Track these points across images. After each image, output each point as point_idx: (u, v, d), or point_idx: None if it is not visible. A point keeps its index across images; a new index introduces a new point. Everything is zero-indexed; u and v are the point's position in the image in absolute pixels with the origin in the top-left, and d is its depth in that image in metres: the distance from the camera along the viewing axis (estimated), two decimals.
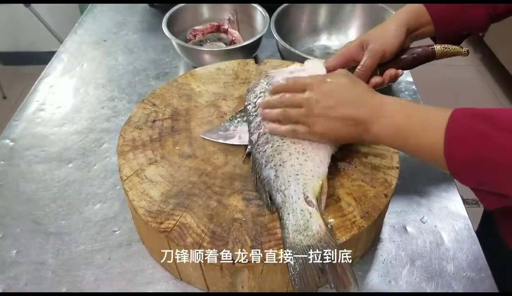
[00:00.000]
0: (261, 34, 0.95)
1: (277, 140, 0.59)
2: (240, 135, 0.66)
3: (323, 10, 1.05)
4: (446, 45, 0.65)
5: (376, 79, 0.65)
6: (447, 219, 0.68)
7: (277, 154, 0.58)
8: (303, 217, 0.52)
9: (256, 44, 0.97)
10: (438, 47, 0.65)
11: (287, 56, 0.91)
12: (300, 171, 0.56)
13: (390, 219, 0.68)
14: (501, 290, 0.59)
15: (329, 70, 0.65)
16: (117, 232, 0.66)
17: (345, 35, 1.06)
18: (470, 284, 0.60)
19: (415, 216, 0.68)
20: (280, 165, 0.57)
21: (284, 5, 1.00)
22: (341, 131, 0.53)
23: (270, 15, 0.98)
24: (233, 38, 1.04)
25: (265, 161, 0.58)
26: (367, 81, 0.65)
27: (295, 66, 0.73)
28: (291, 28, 1.02)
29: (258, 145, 0.61)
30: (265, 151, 0.59)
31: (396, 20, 0.65)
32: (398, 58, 0.66)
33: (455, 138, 0.46)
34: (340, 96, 0.53)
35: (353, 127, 0.52)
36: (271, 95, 0.61)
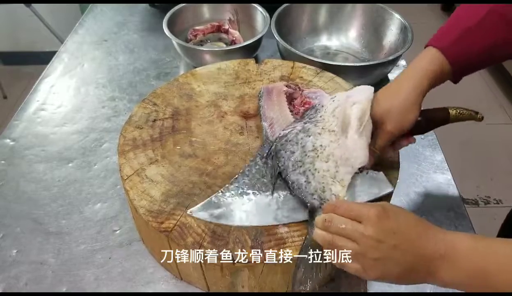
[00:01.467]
0: (261, 34, 0.95)
1: (310, 151, 0.57)
2: (240, 214, 0.56)
3: (323, 10, 1.05)
4: (461, 110, 0.62)
5: (388, 152, 0.61)
6: (447, 219, 0.68)
7: (309, 163, 0.57)
8: None
9: (256, 44, 0.97)
10: (452, 112, 0.62)
11: (287, 56, 0.91)
12: (336, 178, 0.55)
13: None
14: None
15: None
16: (118, 232, 0.66)
17: (345, 35, 1.06)
18: None
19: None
20: (312, 173, 0.56)
21: (285, 5, 1.00)
22: (401, 275, 0.44)
23: (271, 15, 0.98)
24: (234, 38, 1.04)
25: (292, 165, 0.57)
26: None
27: (341, 93, 0.64)
28: (292, 28, 1.02)
29: (287, 141, 0.59)
30: (293, 152, 0.58)
31: (415, 86, 0.56)
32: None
33: None
34: (403, 236, 0.44)
35: (415, 271, 0.44)
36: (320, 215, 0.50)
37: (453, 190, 0.73)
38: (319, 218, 0.48)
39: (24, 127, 0.85)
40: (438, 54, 0.57)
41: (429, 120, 0.62)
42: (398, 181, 0.60)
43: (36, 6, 2.01)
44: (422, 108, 0.60)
